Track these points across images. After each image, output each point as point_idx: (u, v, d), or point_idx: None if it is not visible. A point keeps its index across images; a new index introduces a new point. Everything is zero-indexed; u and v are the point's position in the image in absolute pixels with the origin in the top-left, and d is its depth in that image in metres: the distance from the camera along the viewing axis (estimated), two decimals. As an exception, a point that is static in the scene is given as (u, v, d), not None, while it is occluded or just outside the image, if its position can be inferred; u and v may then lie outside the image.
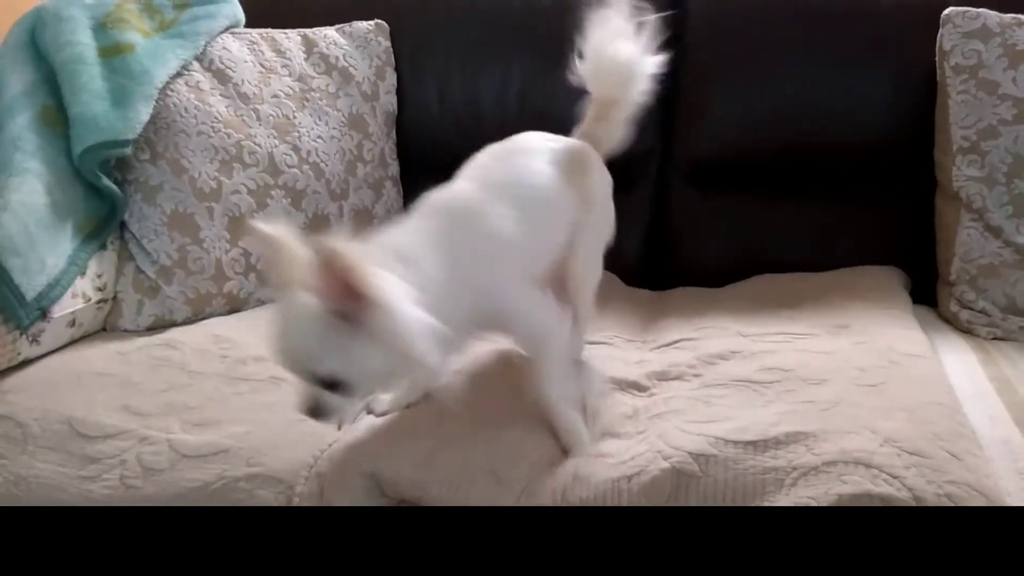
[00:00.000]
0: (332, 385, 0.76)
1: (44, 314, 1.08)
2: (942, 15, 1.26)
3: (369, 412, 0.95)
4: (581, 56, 1.01)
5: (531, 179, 0.94)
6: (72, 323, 1.14)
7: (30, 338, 1.08)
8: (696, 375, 0.99)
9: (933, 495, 0.72)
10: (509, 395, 0.94)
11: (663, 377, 1.00)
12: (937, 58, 1.26)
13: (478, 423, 0.89)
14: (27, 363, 1.09)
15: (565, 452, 0.85)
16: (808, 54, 1.37)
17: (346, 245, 0.71)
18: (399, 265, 0.77)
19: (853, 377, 0.91)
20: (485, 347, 1.04)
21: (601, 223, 1.03)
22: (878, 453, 0.76)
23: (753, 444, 0.80)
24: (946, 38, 1.24)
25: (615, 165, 1.49)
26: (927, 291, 1.29)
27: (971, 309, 1.19)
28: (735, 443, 0.80)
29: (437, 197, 0.90)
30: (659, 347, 1.10)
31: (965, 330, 1.18)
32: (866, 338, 1.02)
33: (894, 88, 1.34)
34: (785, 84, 1.38)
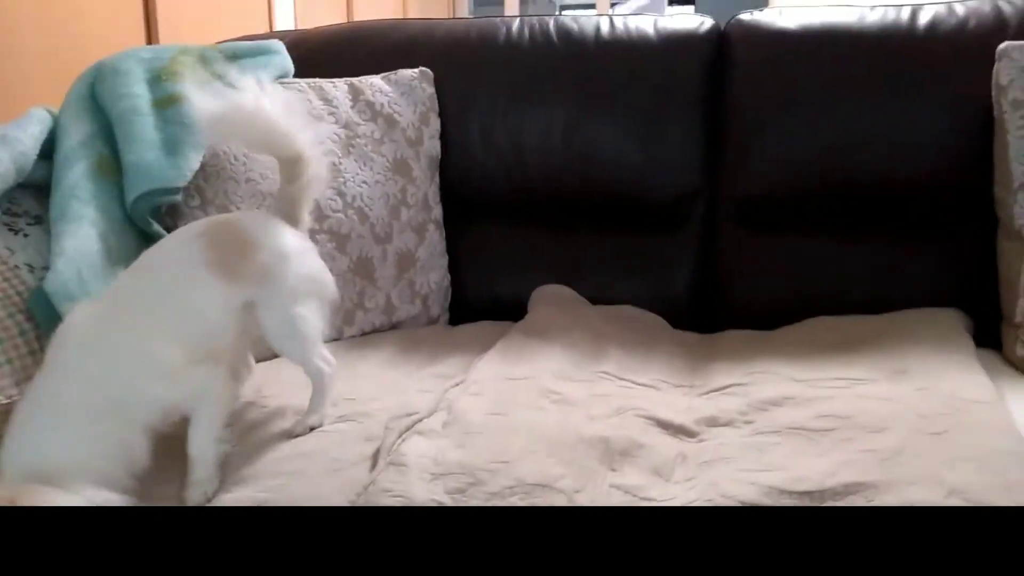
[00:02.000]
0: None
1: (94, 358, 1.10)
2: (998, 49, 1.22)
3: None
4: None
5: (165, 290, 1.00)
6: (121, 366, 1.15)
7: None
8: (748, 422, 0.95)
9: (1007, 552, 0.67)
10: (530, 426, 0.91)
11: (713, 423, 0.97)
12: (994, 93, 1.22)
13: (500, 458, 0.87)
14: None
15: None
16: (858, 89, 1.35)
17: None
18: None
19: (915, 425, 0.86)
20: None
21: (285, 291, 1.05)
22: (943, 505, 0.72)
23: (809, 495, 0.76)
24: (1003, 72, 1.21)
25: (662, 205, 1.50)
26: (991, 333, 1.23)
27: (1039, 352, 1.13)
28: (790, 493, 0.76)
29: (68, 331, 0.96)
30: (707, 392, 1.07)
31: (1033, 374, 1.12)
32: (928, 383, 0.97)
33: (949, 123, 1.30)
34: (835, 120, 1.35)
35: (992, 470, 0.77)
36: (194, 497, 0.92)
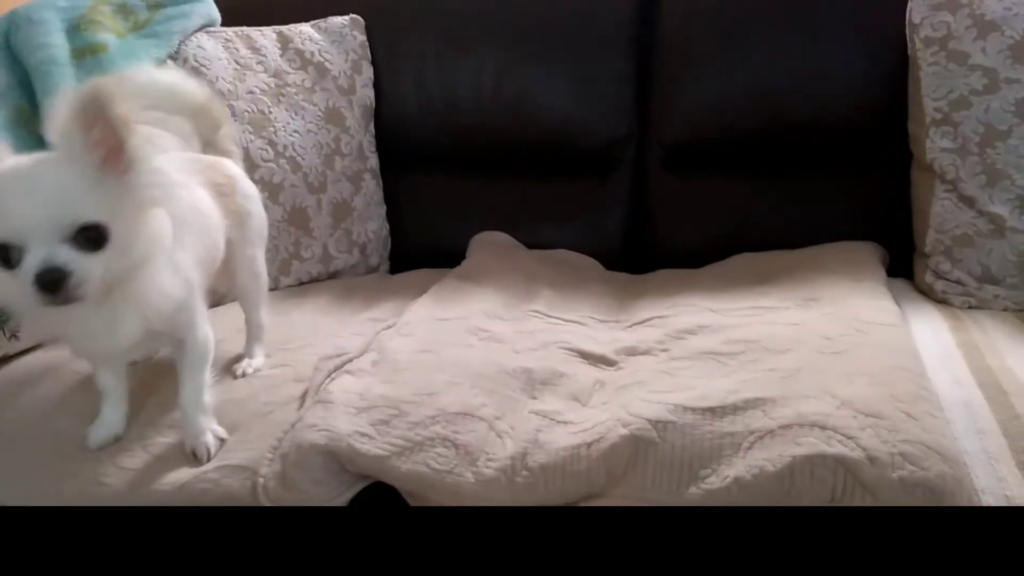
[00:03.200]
0: (88, 241, 0.71)
1: (22, 310, 1.10)
2: (910, -12, 1.25)
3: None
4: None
5: (200, 204, 0.97)
6: (51, 319, 1.15)
7: (8, 334, 1.09)
8: (664, 350, 0.99)
9: (887, 454, 0.71)
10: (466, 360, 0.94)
11: (632, 352, 1.01)
12: (907, 31, 1.26)
13: (424, 391, 0.90)
14: (6, 359, 1.11)
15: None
16: (780, 32, 1.37)
17: (114, 85, 0.71)
18: None
19: (817, 346, 0.91)
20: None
21: (254, 235, 1.08)
22: (834, 415, 0.76)
23: (711, 410, 0.80)
24: (915, 11, 1.24)
25: (594, 150, 1.52)
26: (906, 264, 1.28)
27: (946, 279, 1.18)
28: (693, 410, 0.80)
29: None
30: (631, 325, 1.11)
31: (940, 300, 1.17)
32: (834, 309, 1.02)
33: (867, 63, 1.34)
34: (758, 64, 1.38)
35: (883, 383, 0.81)
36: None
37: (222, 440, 0.90)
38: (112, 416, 0.94)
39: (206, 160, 1.07)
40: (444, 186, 1.56)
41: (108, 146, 0.72)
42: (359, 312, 1.23)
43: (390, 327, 1.12)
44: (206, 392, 0.92)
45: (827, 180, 1.39)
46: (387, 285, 1.38)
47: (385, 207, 1.53)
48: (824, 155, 1.39)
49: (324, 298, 1.30)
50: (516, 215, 1.51)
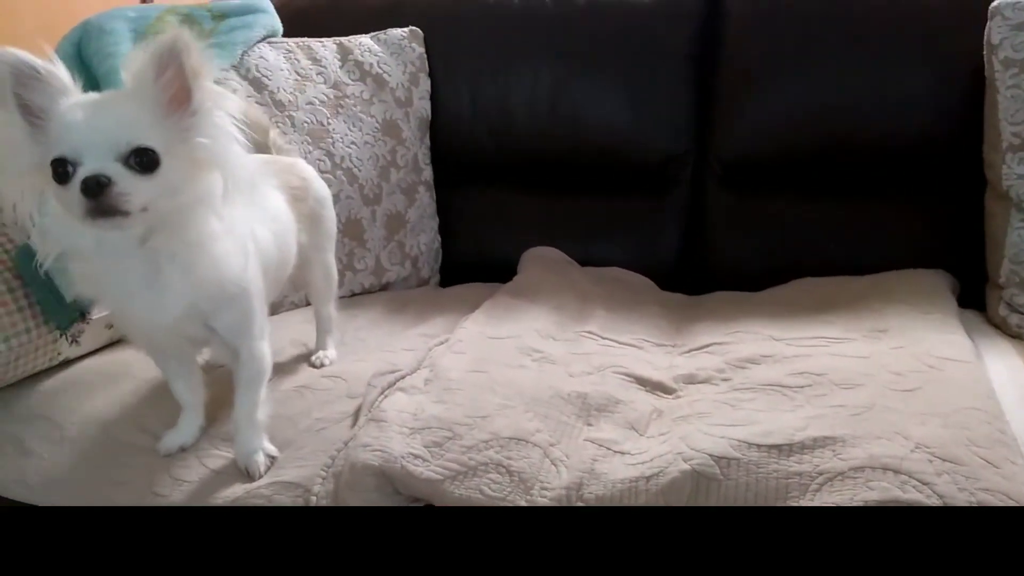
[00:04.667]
0: (139, 164, 0.74)
1: (83, 315, 1.11)
2: (990, 7, 1.20)
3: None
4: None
5: (274, 209, 0.98)
6: (111, 325, 1.17)
7: (70, 339, 1.11)
8: (725, 379, 0.96)
9: (964, 503, 0.68)
10: (505, 386, 0.93)
11: (691, 380, 0.98)
12: (985, 52, 1.21)
13: (478, 413, 0.89)
14: (67, 364, 1.12)
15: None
16: (847, 50, 1.33)
17: (195, 40, 0.75)
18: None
19: (888, 382, 0.87)
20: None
21: (324, 239, 1.12)
22: (908, 459, 0.73)
23: (778, 448, 0.77)
24: (994, 31, 1.19)
25: (650, 167, 1.49)
26: (977, 294, 1.23)
27: (1021, 313, 1.13)
28: (759, 447, 0.77)
29: None
30: (689, 351, 1.08)
31: (1014, 335, 1.12)
32: (905, 342, 0.98)
33: (939, 83, 1.29)
34: (823, 81, 1.34)
35: (958, 425, 0.78)
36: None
37: (273, 458, 0.90)
38: (186, 427, 0.96)
39: (284, 162, 1.08)
40: (497, 199, 1.56)
41: (176, 90, 0.76)
42: (411, 327, 1.23)
43: (442, 343, 1.11)
44: (260, 409, 0.91)
45: (893, 203, 1.34)
46: (438, 299, 1.37)
47: (438, 219, 1.52)
48: (891, 177, 1.35)
49: (376, 311, 1.30)
50: (569, 230, 1.50)
